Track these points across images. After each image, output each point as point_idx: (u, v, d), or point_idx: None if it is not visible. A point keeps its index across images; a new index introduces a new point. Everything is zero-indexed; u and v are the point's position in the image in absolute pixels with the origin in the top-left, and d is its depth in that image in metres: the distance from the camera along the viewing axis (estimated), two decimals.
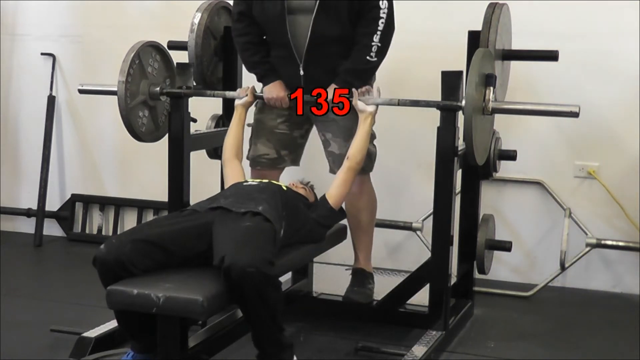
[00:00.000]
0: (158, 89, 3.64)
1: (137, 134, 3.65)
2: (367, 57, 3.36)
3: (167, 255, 2.80)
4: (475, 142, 3.17)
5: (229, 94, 3.68)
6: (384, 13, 3.34)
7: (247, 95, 3.53)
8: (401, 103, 3.38)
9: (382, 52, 3.38)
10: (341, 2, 3.32)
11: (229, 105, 3.98)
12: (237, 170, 3.40)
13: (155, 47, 3.68)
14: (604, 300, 4.31)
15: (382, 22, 3.34)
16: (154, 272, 2.76)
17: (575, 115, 3.22)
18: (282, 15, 3.36)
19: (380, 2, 3.34)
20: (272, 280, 2.67)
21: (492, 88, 3.15)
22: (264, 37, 3.56)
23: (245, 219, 2.88)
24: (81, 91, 3.97)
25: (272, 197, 3.06)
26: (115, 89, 3.55)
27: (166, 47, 3.98)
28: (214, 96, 3.72)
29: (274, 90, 3.51)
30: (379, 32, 3.34)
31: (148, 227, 2.92)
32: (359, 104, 3.34)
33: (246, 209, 2.93)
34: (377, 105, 3.37)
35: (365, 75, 3.43)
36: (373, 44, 3.34)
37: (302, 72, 3.43)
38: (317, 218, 3.23)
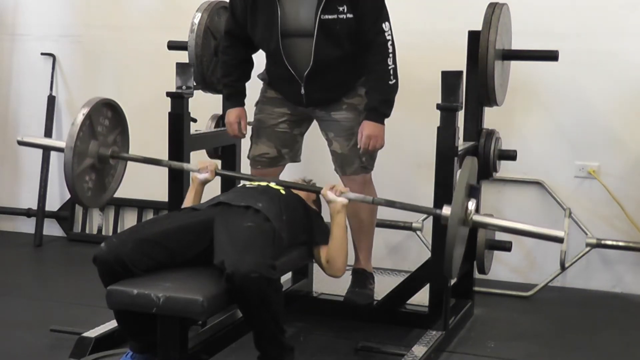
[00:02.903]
0: (109, 152, 3.33)
1: (82, 201, 3.31)
2: (390, 83, 3.35)
3: (168, 254, 2.79)
4: (454, 254, 2.93)
5: (187, 166, 3.40)
6: (389, 35, 3.33)
7: (207, 171, 3.27)
8: (375, 202, 3.22)
9: (396, 71, 3.37)
10: (340, 25, 3.29)
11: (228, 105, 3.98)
12: None
13: (107, 104, 3.35)
14: (604, 300, 4.31)
15: (391, 44, 3.34)
16: (154, 271, 2.75)
17: (560, 241, 2.95)
18: (277, 40, 3.35)
19: (383, 24, 3.32)
20: (274, 283, 2.67)
21: (474, 200, 2.96)
22: (246, 58, 3.57)
23: (246, 217, 2.88)
24: (20, 143, 3.53)
25: (271, 200, 3.06)
26: (59, 145, 3.28)
27: (167, 46, 4.00)
28: (170, 167, 3.46)
29: (233, 117, 3.56)
30: (390, 55, 3.34)
31: (149, 226, 2.92)
32: (329, 195, 3.12)
33: (246, 203, 2.95)
34: (349, 199, 3.15)
35: (392, 101, 3.41)
36: (390, 67, 3.34)
37: (303, 92, 3.43)
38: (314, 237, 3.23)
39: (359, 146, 3.41)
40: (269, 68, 3.58)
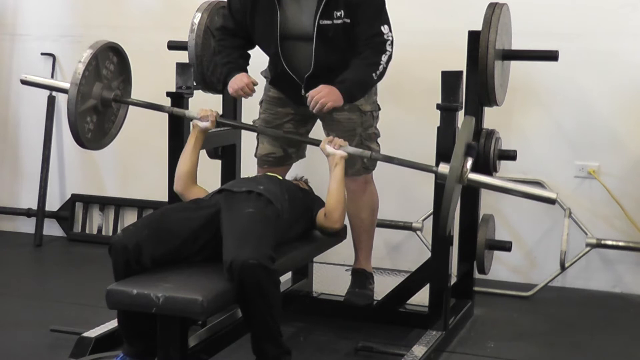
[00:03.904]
0: (112, 95, 3.41)
1: (82, 141, 3.37)
2: (373, 74, 3.30)
3: (179, 243, 2.83)
4: (450, 211, 2.97)
5: (189, 113, 3.40)
6: (388, 37, 3.32)
7: (208, 120, 3.30)
8: (374, 157, 3.25)
9: (382, 75, 3.33)
10: (337, 30, 3.29)
11: (228, 105, 3.98)
12: (202, 192, 3.26)
13: (114, 48, 3.45)
14: (604, 300, 4.31)
15: (390, 45, 3.32)
16: (162, 265, 2.79)
17: (552, 202, 3.02)
18: (275, 42, 3.34)
19: (382, 27, 3.31)
20: (272, 274, 2.70)
21: (471, 159, 2.98)
22: (243, 47, 3.55)
23: (248, 202, 2.94)
24: (24, 82, 3.57)
25: (272, 182, 3.13)
26: (63, 85, 3.35)
27: (167, 46, 4.00)
28: (172, 113, 3.47)
29: (239, 79, 3.40)
30: (387, 53, 3.31)
31: (161, 216, 2.94)
32: (327, 148, 3.18)
33: (248, 188, 3.01)
34: (348, 153, 3.19)
35: (366, 91, 3.38)
36: (381, 63, 3.30)
37: (303, 92, 3.43)
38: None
39: (307, 94, 3.29)
40: (270, 67, 3.58)
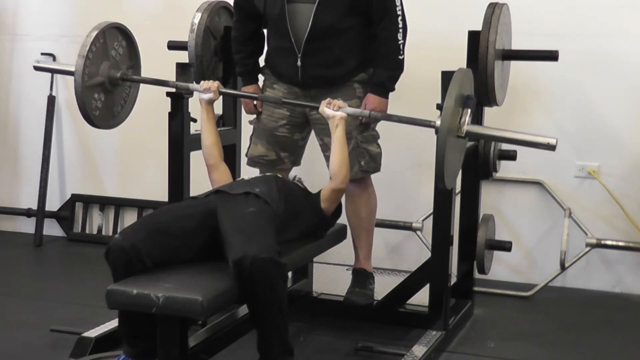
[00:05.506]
0: (119, 74, 3.51)
1: (90, 117, 3.46)
2: (399, 57, 3.40)
3: (176, 243, 2.83)
4: (446, 164, 2.92)
5: (192, 86, 3.49)
6: (400, 10, 3.37)
7: (210, 91, 3.39)
8: (372, 116, 3.30)
9: (404, 46, 3.42)
10: None
11: (228, 105, 3.98)
12: (226, 174, 3.36)
13: (123, 31, 3.57)
14: (604, 300, 4.31)
15: (401, 19, 3.38)
16: (163, 264, 2.79)
17: (552, 148, 3.01)
18: (282, 3, 3.37)
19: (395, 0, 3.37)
20: (282, 268, 2.70)
21: (469, 110, 2.95)
22: (254, 33, 3.61)
23: (247, 203, 2.94)
24: (36, 68, 3.85)
25: (268, 183, 3.13)
26: (73, 68, 3.39)
27: (167, 46, 4.00)
28: (176, 87, 3.51)
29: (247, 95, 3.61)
30: (400, 30, 3.38)
31: (157, 217, 2.95)
32: (326, 110, 3.22)
33: (244, 190, 3.02)
34: (347, 113, 3.24)
35: (399, 76, 3.48)
36: (399, 43, 3.38)
37: (299, 64, 3.44)
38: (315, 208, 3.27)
39: (364, 121, 3.45)
40: (269, 43, 3.59)
